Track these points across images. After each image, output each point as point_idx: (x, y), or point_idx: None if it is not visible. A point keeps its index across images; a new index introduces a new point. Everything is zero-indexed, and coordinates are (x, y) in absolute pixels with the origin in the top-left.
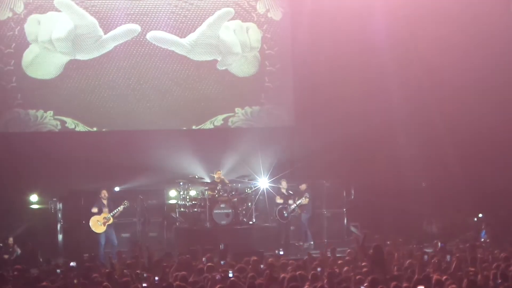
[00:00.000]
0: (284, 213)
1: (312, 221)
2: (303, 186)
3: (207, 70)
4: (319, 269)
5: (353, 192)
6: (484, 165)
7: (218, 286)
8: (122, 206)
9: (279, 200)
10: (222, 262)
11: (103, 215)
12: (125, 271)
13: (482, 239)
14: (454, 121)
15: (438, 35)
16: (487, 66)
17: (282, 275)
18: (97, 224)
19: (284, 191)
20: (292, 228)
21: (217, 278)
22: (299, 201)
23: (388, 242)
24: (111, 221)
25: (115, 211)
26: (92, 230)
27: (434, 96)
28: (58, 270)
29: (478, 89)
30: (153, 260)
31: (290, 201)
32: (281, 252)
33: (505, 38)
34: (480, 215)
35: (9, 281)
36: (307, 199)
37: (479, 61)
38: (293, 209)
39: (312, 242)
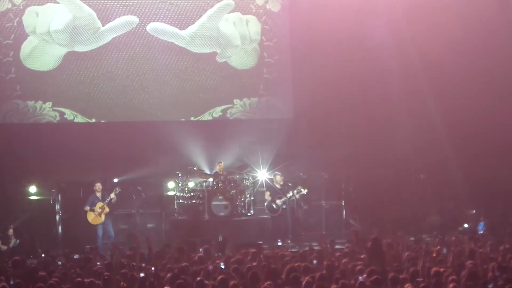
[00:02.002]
0: (273, 206)
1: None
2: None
3: (206, 62)
4: (315, 261)
5: (352, 184)
6: (482, 157)
7: (220, 277)
8: (113, 193)
9: (267, 197)
10: (216, 254)
11: (98, 205)
12: (122, 260)
13: (481, 232)
14: (452, 114)
15: (436, 25)
16: (485, 60)
17: (280, 267)
18: (94, 215)
19: (278, 185)
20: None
21: (209, 268)
22: (297, 193)
23: (387, 234)
24: (107, 210)
25: (108, 199)
26: (90, 222)
27: (434, 89)
28: (60, 263)
29: (477, 82)
30: (153, 252)
31: (289, 193)
32: (279, 244)
33: (505, 32)
34: (474, 211)
35: (7, 271)
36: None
37: (477, 55)
38: (287, 200)
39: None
